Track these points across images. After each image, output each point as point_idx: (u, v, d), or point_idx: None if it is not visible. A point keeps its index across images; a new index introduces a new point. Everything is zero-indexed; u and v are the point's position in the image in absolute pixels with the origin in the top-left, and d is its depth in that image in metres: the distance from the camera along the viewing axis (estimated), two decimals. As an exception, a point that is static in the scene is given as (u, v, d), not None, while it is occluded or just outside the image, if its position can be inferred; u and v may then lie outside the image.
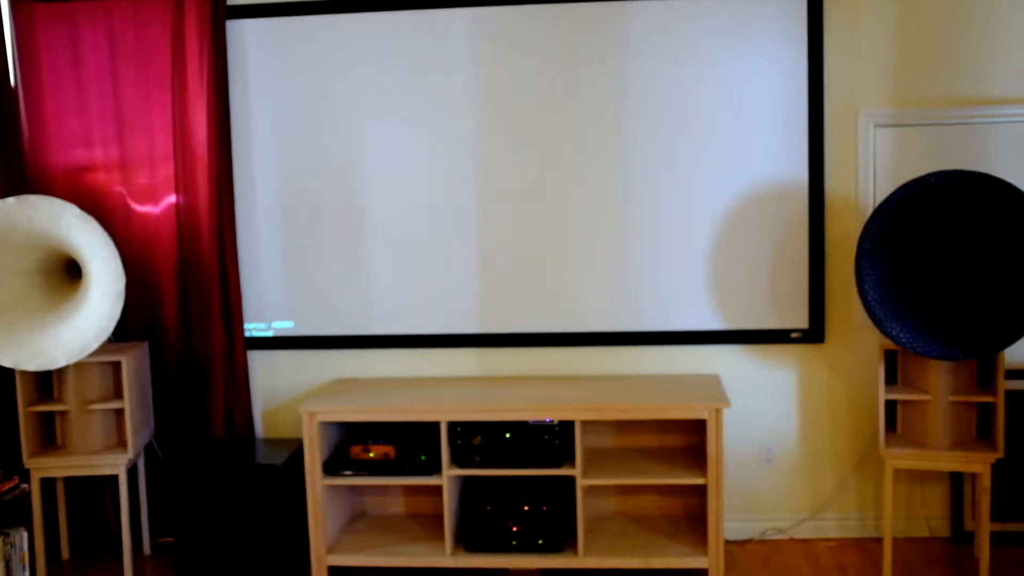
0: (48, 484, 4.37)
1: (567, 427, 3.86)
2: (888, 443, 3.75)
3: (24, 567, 3.40)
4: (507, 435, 3.88)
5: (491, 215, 4.29)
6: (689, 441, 4.25)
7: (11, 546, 3.42)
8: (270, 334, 4.47)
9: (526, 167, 4.25)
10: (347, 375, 4.48)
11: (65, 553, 4.38)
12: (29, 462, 4.00)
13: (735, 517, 4.34)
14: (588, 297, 4.28)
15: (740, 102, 4.12)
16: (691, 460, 4.02)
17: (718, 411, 3.72)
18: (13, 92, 4.36)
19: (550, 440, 3.85)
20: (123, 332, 4.45)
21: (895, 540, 4.24)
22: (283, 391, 4.53)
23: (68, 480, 4.39)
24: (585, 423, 3.96)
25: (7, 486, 3.64)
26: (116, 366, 4.11)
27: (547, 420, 3.82)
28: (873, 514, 4.31)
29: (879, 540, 4.27)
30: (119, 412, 4.14)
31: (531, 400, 3.86)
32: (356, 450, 4.00)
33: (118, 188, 4.41)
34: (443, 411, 3.84)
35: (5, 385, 4.26)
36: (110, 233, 4.42)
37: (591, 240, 4.25)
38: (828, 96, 4.12)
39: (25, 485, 3.68)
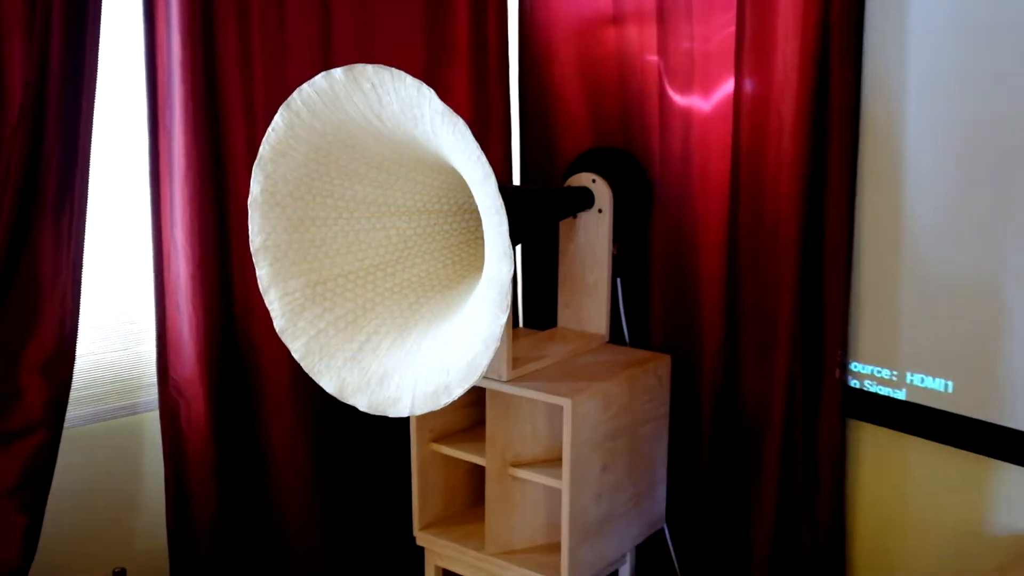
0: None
1: None
2: None
3: None
4: None
5: None
6: None
7: None
8: (900, 395, 2.06)
9: None
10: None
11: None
12: (422, 537, 2.32)
13: None
14: None
15: None
16: None
17: None
18: None
19: None
20: (645, 336, 2.44)
21: None
22: (912, 519, 2.12)
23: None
24: None
25: None
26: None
27: None
28: None
29: None
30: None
31: None
32: None
33: (652, 58, 2.31)
34: None
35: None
36: (641, 143, 2.38)
37: None
38: None
39: None
